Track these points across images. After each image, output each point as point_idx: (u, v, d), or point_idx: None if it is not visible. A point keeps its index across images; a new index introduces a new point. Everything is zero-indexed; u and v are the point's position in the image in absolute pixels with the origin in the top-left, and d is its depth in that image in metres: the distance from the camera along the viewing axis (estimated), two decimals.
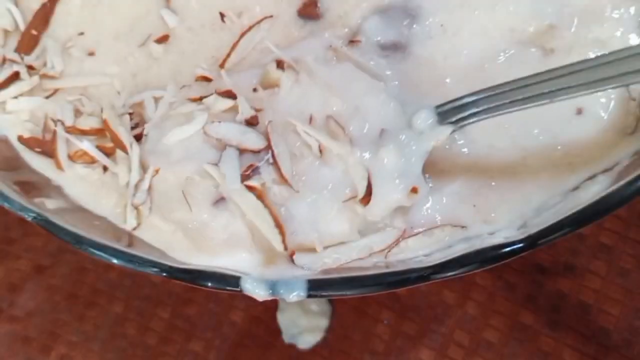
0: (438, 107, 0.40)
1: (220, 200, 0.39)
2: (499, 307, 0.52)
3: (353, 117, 0.40)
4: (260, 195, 0.38)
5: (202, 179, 0.39)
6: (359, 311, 0.53)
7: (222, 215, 0.39)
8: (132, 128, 0.44)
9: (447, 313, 0.52)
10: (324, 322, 0.53)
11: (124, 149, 0.42)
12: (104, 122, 0.43)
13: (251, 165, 0.38)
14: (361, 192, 0.38)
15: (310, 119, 0.40)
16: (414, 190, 0.38)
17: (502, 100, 0.38)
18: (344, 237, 0.39)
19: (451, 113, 0.39)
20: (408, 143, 0.39)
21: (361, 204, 0.39)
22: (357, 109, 0.40)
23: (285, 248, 0.38)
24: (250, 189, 0.38)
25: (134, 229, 0.43)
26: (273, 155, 0.39)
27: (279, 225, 0.38)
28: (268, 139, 0.39)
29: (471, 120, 0.39)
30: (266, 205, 0.38)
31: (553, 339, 0.51)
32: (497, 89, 0.38)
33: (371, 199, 0.38)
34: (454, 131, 0.39)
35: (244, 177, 0.38)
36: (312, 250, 0.39)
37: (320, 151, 0.39)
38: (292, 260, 0.40)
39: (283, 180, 0.38)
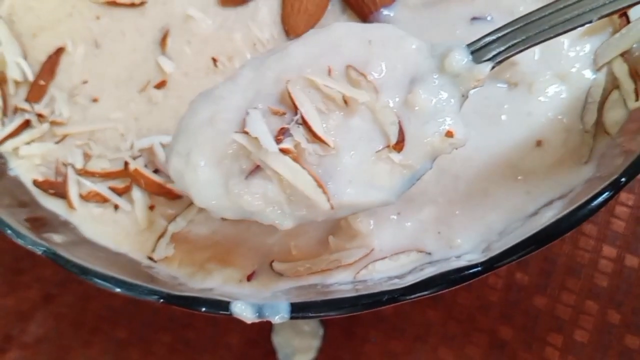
0: (469, 45, 0.40)
1: (254, 171, 0.38)
2: (479, 324, 0.56)
3: (373, 62, 0.39)
4: (296, 158, 0.38)
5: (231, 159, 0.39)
6: (348, 332, 0.58)
7: (258, 184, 0.38)
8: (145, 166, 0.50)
9: (431, 331, 0.57)
10: (315, 342, 0.58)
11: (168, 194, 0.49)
12: (134, 171, 0.49)
13: (282, 129, 0.38)
14: (393, 137, 0.38)
15: (329, 71, 0.39)
16: (449, 134, 0.38)
17: (536, 30, 0.39)
18: (383, 192, 0.39)
19: (485, 50, 0.39)
20: (442, 85, 0.39)
21: (395, 150, 0.38)
22: (378, 54, 0.39)
23: (332, 207, 0.38)
24: (285, 152, 0.37)
25: (161, 260, 0.48)
26: (301, 115, 0.38)
27: (320, 185, 0.38)
28: (291, 99, 0.38)
29: (510, 54, 0.39)
30: (304, 167, 0.38)
31: (530, 353, 0.56)
32: (528, 18, 0.39)
33: (404, 145, 0.38)
34: (493, 68, 0.39)
35: (277, 141, 0.38)
36: (290, 259, 0.45)
37: (346, 103, 0.38)
38: (272, 267, 0.46)
39: (316, 138, 0.38)
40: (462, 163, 0.46)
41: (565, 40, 0.48)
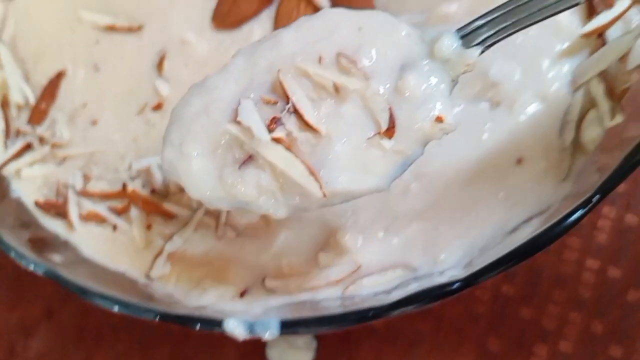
0: (458, 30, 0.40)
1: (247, 161, 0.39)
2: (468, 336, 0.58)
3: (364, 49, 0.39)
4: (288, 146, 0.38)
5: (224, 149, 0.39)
6: (341, 343, 0.60)
7: (251, 173, 0.39)
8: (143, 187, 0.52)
9: (421, 342, 0.59)
10: (309, 356, 0.60)
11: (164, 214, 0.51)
12: (132, 192, 0.51)
13: (274, 118, 0.38)
14: (384, 124, 0.39)
15: (320, 59, 0.40)
16: (439, 120, 0.38)
17: (525, 12, 0.39)
18: (375, 179, 0.39)
19: (474, 35, 0.40)
20: (432, 70, 0.39)
21: (386, 136, 0.39)
22: (368, 41, 0.40)
23: (325, 195, 0.38)
24: (278, 141, 0.38)
25: (158, 278, 0.51)
26: (293, 104, 0.39)
27: (312, 173, 0.38)
28: (282, 88, 0.39)
29: (499, 38, 0.40)
30: (296, 155, 0.38)
31: None
32: (517, 1, 0.39)
33: (395, 131, 0.39)
34: (482, 52, 0.40)
35: (269, 131, 0.38)
36: (282, 276, 0.47)
37: (337, 90, 0.39)
38: (264, 284, 0.48)
39: (307, 126, 0.39)
40: (446, 181, 0.49)
41: (544, 60, 0.50)
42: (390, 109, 0.39)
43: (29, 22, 0.57)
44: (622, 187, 0.60)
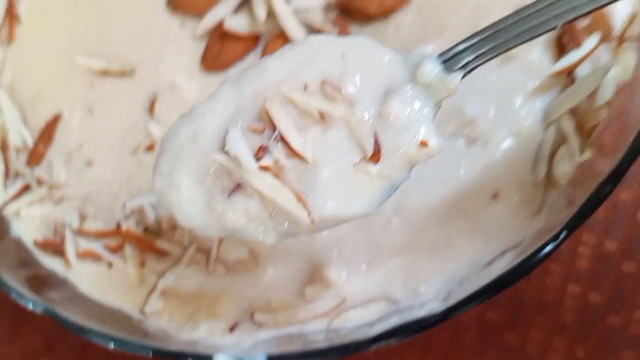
0: (440, 55, 0.41)
1: (235, 189, 0.40)
2: None
3: (348, 75, 0.40)
4: (276, 174, 0.39)
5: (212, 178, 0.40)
6: None
7: (240, 201, 0.39)
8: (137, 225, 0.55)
9: None
10: None
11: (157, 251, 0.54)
12: (126, 231, 0.54)
13: (262, 146, 0.39)
14: (369, 149, 0.39)
15: (305, 86, 0.40)
16: (424, 144, 0.39)
17: (503, 37, 0.40)
18: (362, 204, 0.40)
19: (456, 60, 0.41)
20: (415, 95, 0.40)
21: (372, 162, 0.39)
22: (352, 68, 0.40)
23: (313, 221, 0.39)
24: (265, 169, 0.39)
25: (152, 314, 0.53)
26: (279, 131, 0.39)
27: (301, 200, 0.39)
28: (269, 116, 0.40)
29: (479, 62, 0.41)
30: (284, 182, 0.39)
31: None
32: (496, 26, 0.41)
33: (381, 156, 0.39)
34: (464, 77, 0.41)
35: (256, 159, 0.39)
36: (270, 310, 0.50)
37: (323, 117, 0.40)
38: (253, 318, 0.50)
39: (295, 154, 0.39)
40: (426, 215, 0.51)
41: (518, 98, 0.52)
42: (375, 134, 0.39)
43: (26, 67, 0.59)
44: (600, 214, 0.63)
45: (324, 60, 0.41)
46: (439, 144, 0.40)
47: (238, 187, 0.40)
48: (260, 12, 0.53)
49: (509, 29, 0.40)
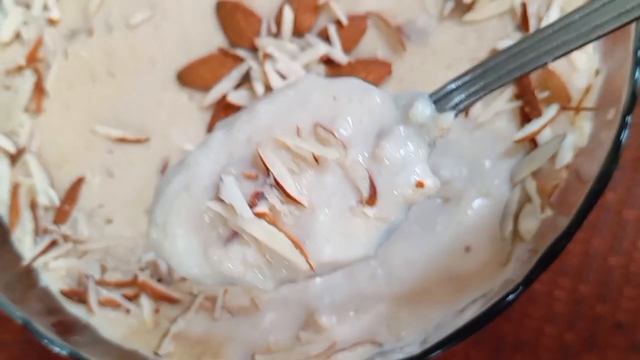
0: (432, 95, 0.42)
1: (231, 237, 0.40)
2: None
3: (340, 117, 0.41)
4: (272, 221, 0.39)
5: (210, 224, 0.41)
6: None
7: (237, 249, 0.40)
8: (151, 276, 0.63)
9: None
10: None
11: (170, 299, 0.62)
12: (142, 282, 0.62)
13: (256, 193, 0.39)
14: (365, 192, 0.40)
15: (298, 130, 0.41)
16: (420, 185, 0.40)
17: (494, 75, 0.41)
18: (361, 247, 0.41)
19: (447, 99, 0.42)
20: (409, 136, 0.41)
21: (368, 204, 0.40)
22: (343, 109, 0.41)
23: (312, 267, 0.39)
24: (261, 215, 0.39)
25: (164, 355, 0.61)
26: (273, 177, 0.40)
27: (298, 246, 0.39)
28: (262, 162, 0.40)
29: (471, 101, 0.42)
30: (280, 229, 0.39)
31: None
32: (486, 64, 0.42)
33: (377, 198, 0.40)
34: (456, 115, 0.42)
35: (251, 206, 0.39)
36: (269, 351, 0.57)
37: (317, 161, 0.40)
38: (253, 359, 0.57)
39: (290, 199, 0.40)
40: (406, 267, 0.59)
41: (487, 161, 0.60)
42: (370, 176, 0.40)
43: (52, 135, 0.68)
44: (574, 260, 0.70)
45: (315, 102, 0.42)
46: (435, 183, 0.41)
47: (234, 234, 0.40)
48: (259, 88, 0.63)
49: (499, 67, 0.42)
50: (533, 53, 0.41)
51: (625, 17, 0.39)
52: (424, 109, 0.41)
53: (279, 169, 0.40)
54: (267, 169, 0.40)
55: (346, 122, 0.41)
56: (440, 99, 0.43)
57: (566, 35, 0.40)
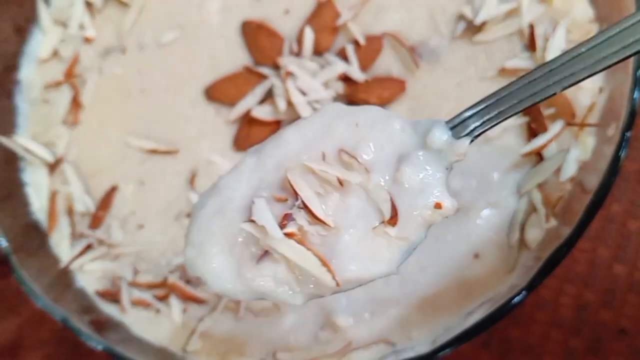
0: (448, 122, 0.45)
1: (263, 256, 0.43)
2: None
3: (362, 144, 0.44)
4: (300, 240, 0.42)
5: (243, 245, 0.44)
6: None
7: (268, 267, 0.43)
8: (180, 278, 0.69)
9: None
10: None
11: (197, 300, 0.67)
12: (172, 283, 0.67)
13: (286, 215, 0.43)
14: (387, 213, 0.43)
15: (323, 156, 0.44)
16: (438, 206, 0.43)
17: (508, 104, 0.44)
18: (384, 265, 0.44)
19: (463, 126, 0.45)
20: (427, 161, 0.44)
21: (390, 225, 0.43)
22: (365, 136, 0.44)
23: (338, 284, 0.42)
24: (290, 235, 0.42)
25: (192, 352, 0.66)
26: (301, 200, 0.43)
27: (325, 264, 0.42)
28: (291, 186, 0.43)
29: (485, 128, 0.45)
30: (308, 248, 0.42)
31: None
32: (500, 93, 0.44)
33: (398, 219, 0.43)
34: (472, 141, 0.45)
35: (281, 227, 0.43)
36: (290, 349, 0.62)
37: (341, 184, 0.43)
38: (275, 357, 0.62)
39: (317, 220, 0.43)
40: (419, 273, 0.63)
41: (495, 174, 0.65)
42: (391, 198, 0.43)
43: (88, 146, 0.74)
44: (580, 268, 0.74)
45: (339, 130, 0.45)
46: (453, 204, 0.44)
47: (266, 253, 0.44)
48: (281, 103, 0.68)
49: (512, 97, 0.45)
50: (543, 84, 0.44)
51: (627, 50, 0.42)
52: (441, 136, 0.44)
53: (307, 193, 0.43)
54: (296, 193, 0.44)
55: (368, 147, 0.44)
56: (456, 126, 0.46)
57: (574, 67, 0.43)
